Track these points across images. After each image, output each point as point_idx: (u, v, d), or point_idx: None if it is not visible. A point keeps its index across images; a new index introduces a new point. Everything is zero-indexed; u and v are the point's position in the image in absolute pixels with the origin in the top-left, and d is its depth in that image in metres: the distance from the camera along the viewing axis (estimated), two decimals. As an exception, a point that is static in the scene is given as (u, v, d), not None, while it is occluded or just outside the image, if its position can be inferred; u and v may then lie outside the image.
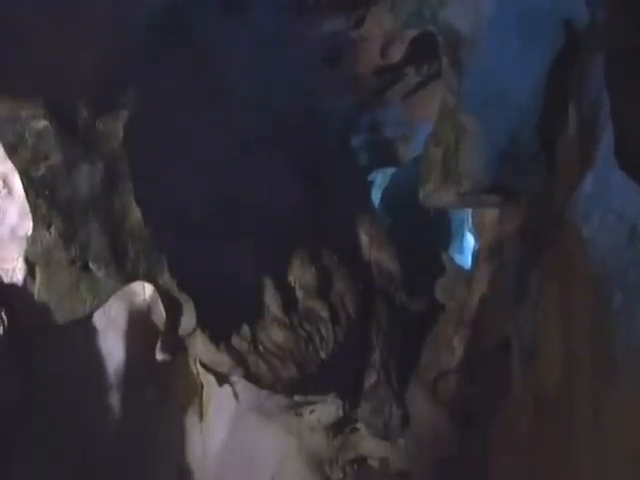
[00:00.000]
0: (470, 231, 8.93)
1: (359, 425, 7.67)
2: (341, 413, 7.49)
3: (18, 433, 6.62)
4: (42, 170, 6.06)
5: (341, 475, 7.66)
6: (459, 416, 7.26)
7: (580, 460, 4.59)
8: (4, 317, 6.35)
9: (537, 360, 5.68)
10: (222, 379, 7.33)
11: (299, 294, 7.32)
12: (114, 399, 7.22)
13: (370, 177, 9.42)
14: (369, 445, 7.71)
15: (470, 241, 9.32)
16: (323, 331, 7.23)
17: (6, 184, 6.26)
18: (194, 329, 6.82)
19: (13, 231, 6.36)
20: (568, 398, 4.90)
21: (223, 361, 6.98)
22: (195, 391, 7.58)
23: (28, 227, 6.25)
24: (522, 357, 6.07)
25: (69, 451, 6.93)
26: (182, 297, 6.71)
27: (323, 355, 7.19)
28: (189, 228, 6.73)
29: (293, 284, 7.32)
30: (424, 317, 7.75)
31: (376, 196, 9.62)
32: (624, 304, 4.23)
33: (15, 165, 6.06)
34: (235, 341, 6.95)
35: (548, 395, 5.36)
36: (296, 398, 7.37)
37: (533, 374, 5.74)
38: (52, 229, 6.14)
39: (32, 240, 6.21)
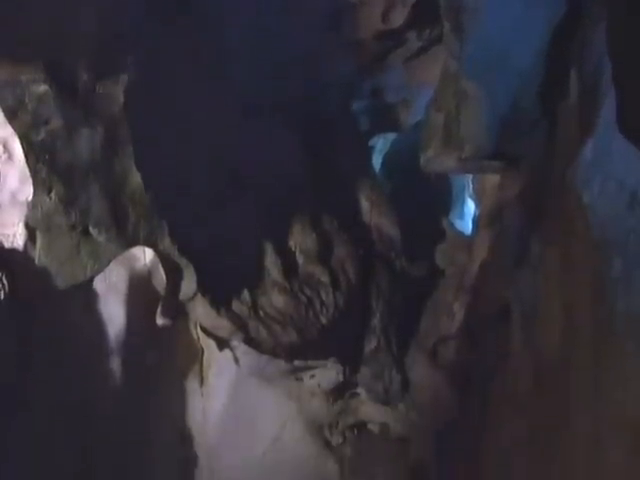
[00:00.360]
0: (471, 197, 8.93)
1: (359, 390, 7.70)
2: (341, 378, 7.53)
3: (18, 397, 6.67)
4: (42, 135, 6.06)
5: (341, 440, 7.71)
6: (459, 381, 7.30)
7: (579, 425, 4.63)
8: (5, 282, 6.38)
9: (537, 325, 5.70)
10: (222, 344, 7.39)
11: (299, 259, 7.33)
12: (115, 364, 7.27)
13: (371, 142, 9.40)
14: (369, 410, 7.75)
15: (470, 207, 9.32)
16: (323, 296, 7.25)
17: (6, 149, 6.27)
18: (194, 294, 6.85)
19: (13, 196, 6.38)
20: (568, 363, 4.93)
21: (223, 326, 7.04)
22: (196, 356, 7.62)
23: (28, 192, 6.27)
24: (522, 322, 6.10)
25: (69, 417, 6.98)
26: (182, 262, 6.74)
27: (323, 320, 7.22)
28: (190, 193, 6.74)
29: (294, 249, 7.33)
30: (424, 282, 7.76)
31: (377, 161, 9.61)
32: (624, 270, 4.26)
33: (15, 130, 6.07)
34: (235, 306, 6.99)
35: (548, 360, 5.39)
36: (296, 363, 7.42)
37: (533, 339, 5.77)
38: (52, 194, 6.16)
39: (32, 205, 6.23)
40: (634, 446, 3.94)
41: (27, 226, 6.37)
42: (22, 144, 6.09)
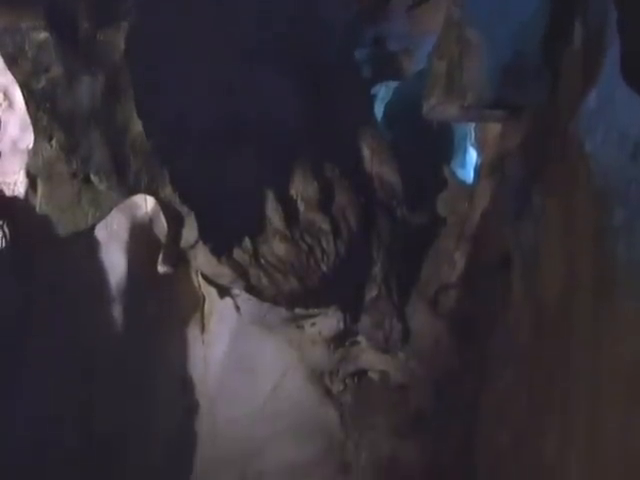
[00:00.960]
0: (472, 146, 8.89)
1: (360, 338, 7.75)
2: (342, 326, 7.58)
3: (18, 344, 6.74)
4: (43, 82, 6.06)
5: (341, 387, 7.80)
6: (459, 330, 7.37)
7: (579, 373, 4.70)
8: (6, 230, 6.43)
9: (537, 275, 5.75)
10: (224, 291, 7.46)
11: (300, 207, 7.33)
12: (116, 311, 7.35)
13: (373, 90, 9.35)
14: (369, 358, 7.81)
15: (472, 156, 9.29)
16: (324, 244, 7.26)
17: (6, 97, 6.29)
18: (196, 242, 6.88)
19: (14, 144, 6.42)
20: (568, 313, 4.99)
21: (224, 273, 7.07)
22: (197, 304, 7.70)
23: (29, 140, 6.29)
24: (523, 272, 6.15)
25: (69, 363, 7.07)
26: (184, 210, 6.76)
27: (324, 268, 7.24)
28: (191, 140, 6.73)
29: (295, 197, 7.32)
30: (425, 231, 7.75)
31: (378, 110, 9.55)
32: (625, 220, 4.30)
33: (15, 77, 6.07)
34: (236, 254, 7.01)
35: (548, 310, 5.45)
36: (297, 311, 7.49)
37: (533, 289, 5.82)
38: (53, 142, 6.18)
39: (33, 153, 6.25)
40: (632, 394, 4.01)
41: (28, 174, 6.42)
42: (22, 92, 6.10)
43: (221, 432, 7.81)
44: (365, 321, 7.67)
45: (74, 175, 6.28)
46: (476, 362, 6.94)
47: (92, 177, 6.33)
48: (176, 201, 6.69)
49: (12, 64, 6.01)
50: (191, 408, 7.86)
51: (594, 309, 4.55)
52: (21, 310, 6.80)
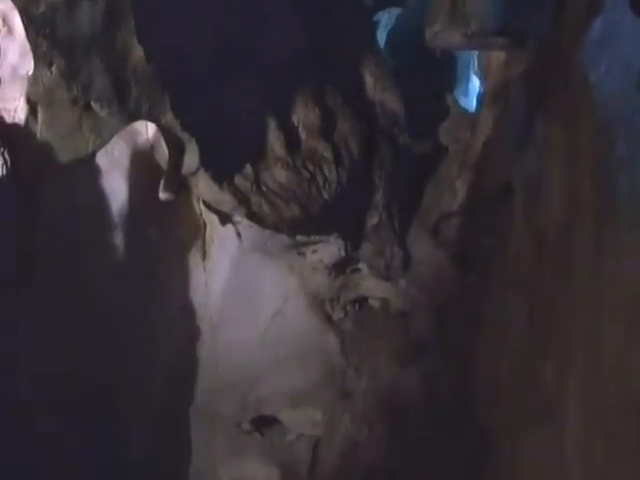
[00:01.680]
0: (475, 74, 8.85)
1: (360, 265, 7.80)
2: (343, 253, 7.62)
3: (19, 271, 6.80)
4: (42, 7, 6.00)
5: (342, 314, 7.87)
6: (460, 258, 7.44)
7: (579, 302, 4.79)
8: (6, 157, 6.43)
9: (539, 204, 5.80)
10: (225, 219, 7.49)
11: (302, 134, 7.34)
12: (117, 238, 7.39)
13: (375, 17, 9.28)
14: (370, 285, 7.88)
15: (475, 84, 9.24)
16: (326, 172, 7.28)
17: (6, 23, 6.24)
18: (197, 168, 6.89)
19: (14, 70, 6.38)
20: (568, 242, 5.07)
21: (226, 200, 7.11)
22: (198, 231, 7.74)
23: (29, 66, 6.26)
24: (524, 201, 6.21)
25: (70, 291, 7.15)
26: (185, 136, 6.76)
27: (326, 196, 7.28)
28: (192, 67, 6.72)
29: (296, 124, 7.32)
30: (427, 159, 7.76)
31: (381, 37, 9.49)
32: (628, 151, 4.33)
33: (14, 3, 6.03)
34: (238, 181, 7.04)
35: (549, 239, 5.52)
36: (298, 238, 7.51)
37: (534, 218, 5.88)
38: (53, 68, 6.15)
39: (33, 79, 6.23)
40: (631, 324, 4.08)
41: (28, 100, 6.39)
42: (22, 17, 6.04)
43: (222, 358, 7.90)
44: (366, 248, 7.71)
45: (75, 102, 6.27)
46: (476, 290, 7.02)
47: (93, 104, 6.31)
48: (177, 128, 6.69)
49: (11, -11, 5.98)
50: (192, 334, 7.93)
51: (595, 239, 4.60)
52: (21, 237, 6.83)
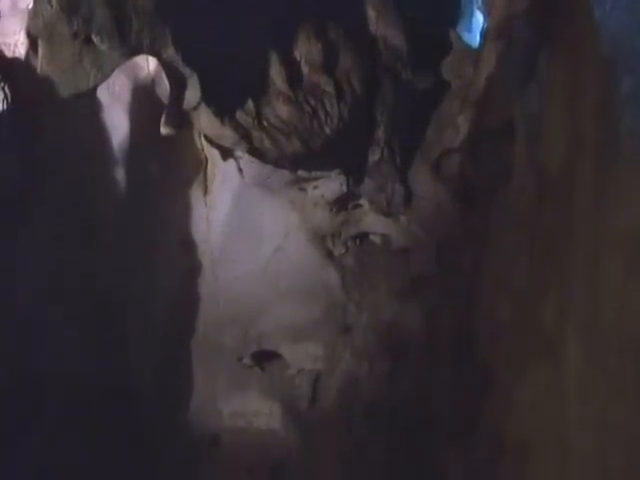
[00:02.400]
0: (479, 9, 8.76)
1: (362, 201, 7.87)
2: (344, 189, 7.69)
3: (19, 209, 6.85)
4: (41, -61, 5.99)
5: (343, 250, 7.97)
6: (461, 195, 7.49)
7: (580, 241, 4.82)
8: (7, 91, 6.45)
9: (541, 142, 5.82)
10: (226, 154, 7.56)
11: (304, 69, 7.30)
12: (118, 174, 7.46)
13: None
14: (371, 221, 7.95)
15: (479, 19, 9.14)
16: (328, 107, 7.26)
17: (5, -44, 6.23)
18: (198, 103, 6.86)
19: (14, 4, 6.40)
20: (571, 179, 5.05)
21: (227, 135, 7.09)
22: (199, 166, 7.81)
23: (29, 0, 6.25)
24: (526, 138, 6.23)
25: (70, 226, 7.25)
26: (186, 71, 6.73)
27: (327, 131, 7.26)
28: (193, 1, 6.70)
29: (298, 59, 7.29)
30: (429, 95, 7.73)
31: (384, -29, 9.38)
32: (632, 89, 4.33)
33: None
34: (239, 115, 7.02)
35: (551, 176, 5.53)
36: (300, 173, 7.61)
37: (536, 156, 5.90)
38: (54, 1, 6.09)
39: (34, 13, 6.18)
40: (632, 265, 4.12)
41: (28, 34, 6.39)
42: (21, -49, 6.04)
43: (223, 293, 8.03)
44: (368, 184, 7.75)
45: (75, 35, 6.22)
46: (477, 228, 7.08)
47: (93, 37, 6.26)
48: (179, 62, 6.65)
49: None
50: (193, 269, 8.05)
51: (597, 177, 4.61)
52: (22, 172, 6.87)
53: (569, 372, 4.82)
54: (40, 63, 6.36)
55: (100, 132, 7.28)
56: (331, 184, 7.68)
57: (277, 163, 7.37)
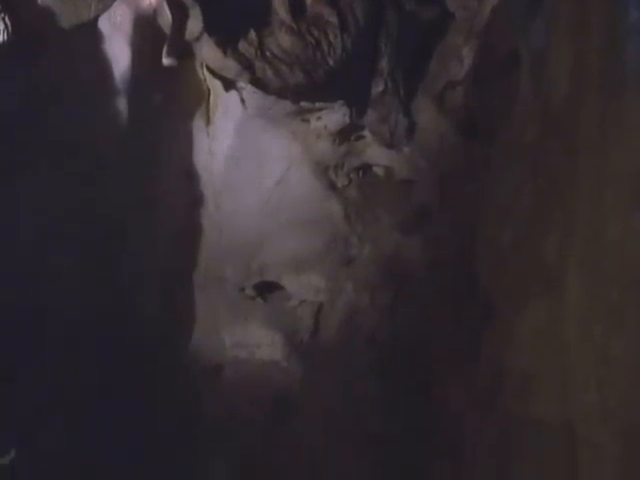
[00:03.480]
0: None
1: (365, 133, 7.89)
2: (348, 120, 7.68)
3: (19, 141, 6.87)
4: None
5: (346, 182, 8.02)
6: (465, 127, 7.52)
7: (584, 174, 4.89)
8: (7, 22, 6.41)
9: (546, 74, 5.82)
10: (229, 85, 7.55)
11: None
12: (119, 105, 7.44)
13: None
14: (374, 153, 7.99)
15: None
16: (331, 37, 7.25)
17: None
18: (201, 34, 6.90)
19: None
20: (575, 111, 5.10)
21: (230, 66, 7.11)
22: (202, 97, 7.81)
23: None
24: (531, 70, 6.24)
25: (71, 155, 7.25)
26: (188, 1, 6.77)
27: (330, 62, 7.28)
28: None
29: (302, -11, 7.29)
30: (434, 26, 7.71)
31: None
32: (638, 21, 4.37)
33: None
34: (242, 46, 7.04)
35: (555, 108, 5.56)
36: (303, 104, 7.57)
37: (541, 88, 5.91)
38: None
39: (34, -57, 6.18)
40: (636, 194, 4.19)
41: (29, -36, 6.36)
42: None
43: (225, 224, 8.08)
44: (371, 115, 7.75)
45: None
46: (481, 160, 7.11)
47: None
48: (181, -8, 6.67)
49: None
50: (195, 200, 8.09)
51: (602, 110, 4.67)
52: (23, 103, 6.87)
53: (570, 305, 4.92)
54: (41, -7, 6.37)
55: (101, 63, 7.25)
56: (334, 115, 7.68)
57: (280, 94, 7.35)
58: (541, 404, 5.27)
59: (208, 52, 7.05)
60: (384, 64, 7.61)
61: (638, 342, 4.06)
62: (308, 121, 7.82)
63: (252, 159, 8.00)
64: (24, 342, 6.81)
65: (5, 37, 6.39)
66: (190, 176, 8.00)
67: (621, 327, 4.21)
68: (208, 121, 7.89)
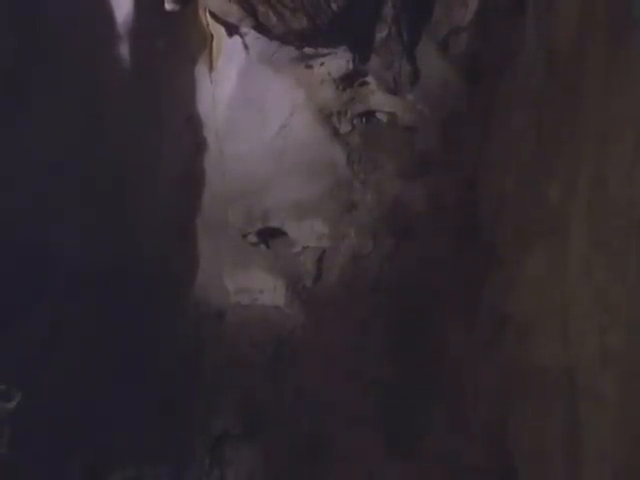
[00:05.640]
0: None
1: (369, 79, 7.92)
2: (351, 66, 7.73)
3: (18, 80, 6.88)
4: None
5: (349, 128, 8.05)
6: (469, 73, 7.55)
7: (588, 119, 4.90)
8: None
9: (552, 17, 5.82)
10: (232, 30, 7.59)
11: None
12: (122, 50, 7.45)
13: None
14: (378, 99, 8.00)
15: None
16: (335, -18, 7.26)
17: None
18: (203, -22, 6.89)
19: None
20: (580, 56, 5.12)
21: (233, 11, 7.14)
22: (205, 42, 7.82)
23: None
24: (536, 16, 6.24)
25: (72, 102, 7.29)
26: (191, -54, 6.77)
27: (334, 7, 7.26)
28: None
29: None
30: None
31: None
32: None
33: None
34: (245, -9, 7.04)
35: (560, 52, 5.56)
36: (306, 50, 7.64)
37: (546, 31, 5.91)
38: None
39: None
40: (637, 142, 4.24)
41: None
42: None
43: (228, 169, 8.14)
44: (375, 62, 7.78)
45: None
46: (484, 105, 7.13)
47: None
48: None
49: None
50: (199, 145, 8.14)
51: (607, 56, 4.68)
52: (22, 45, 6.88)
53: (572, 251, 4.98)
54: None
55: (104, 8, 7.25)
56: (338, 61, 7.71)
57: (283, 39, 7.39)
58: (542, 350, 5.36)
59: (212, -3, 7.04)
60: (388, 9, 7.59)
61: (639, 289, 4.10)
62: (311, 67, 7.83)
63: (255, 105, 8.01)
64: (26, 280, 6.87)
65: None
66: (193, 121, 8.04)
67: (623, 274, 4.24)
68: (211, 67, 7.90)
